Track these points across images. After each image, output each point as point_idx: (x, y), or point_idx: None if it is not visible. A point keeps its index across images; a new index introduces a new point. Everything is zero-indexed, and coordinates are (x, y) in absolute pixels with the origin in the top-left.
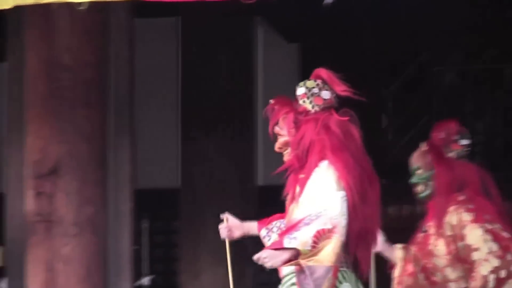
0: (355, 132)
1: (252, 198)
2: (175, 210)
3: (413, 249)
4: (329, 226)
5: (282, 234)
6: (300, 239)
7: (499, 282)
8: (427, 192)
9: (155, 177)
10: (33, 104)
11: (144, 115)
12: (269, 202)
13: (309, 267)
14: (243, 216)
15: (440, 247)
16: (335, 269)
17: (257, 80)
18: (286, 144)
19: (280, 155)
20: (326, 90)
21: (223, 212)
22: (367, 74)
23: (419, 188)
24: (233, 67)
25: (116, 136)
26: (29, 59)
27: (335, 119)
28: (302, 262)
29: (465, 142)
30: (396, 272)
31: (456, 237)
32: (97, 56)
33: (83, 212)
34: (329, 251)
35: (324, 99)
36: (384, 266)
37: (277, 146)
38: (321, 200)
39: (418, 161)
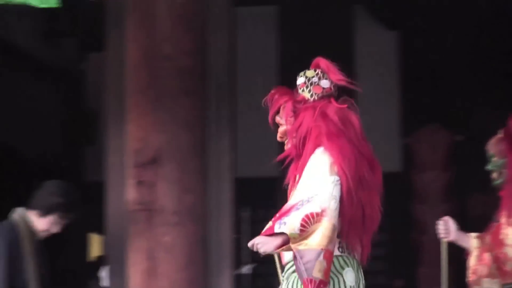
0: (354, 119)
1: None
2: (276, 198)
3: (488, 238)
4: (318, 210)
5: (275, 220)
6: (289, 224)
7: None
8: (501, 180)
9: (255, 166)
10: (133, 93)
11: (244, 104)
12: None
13: (299, 251)
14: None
15: (510, 237)
16: (328, 253)
17: (356, 69)
18: (286, 133)
19: (383, 141)
20: (326, 79)
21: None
22: (467, 64)
23: (494, 175)
24: (332, 55)
25: (216, 125)
26: (129, 49)
27: (333, 106)
28: (293, 246)
29: None
30: (472, 261)
31: None
32: (197, 45)
33: (184, 201)
34: (319, 234)
35: (323, 88)
36: (457, 255)
37: (278, 136)
38: (313, 185)
39: (493, 148)
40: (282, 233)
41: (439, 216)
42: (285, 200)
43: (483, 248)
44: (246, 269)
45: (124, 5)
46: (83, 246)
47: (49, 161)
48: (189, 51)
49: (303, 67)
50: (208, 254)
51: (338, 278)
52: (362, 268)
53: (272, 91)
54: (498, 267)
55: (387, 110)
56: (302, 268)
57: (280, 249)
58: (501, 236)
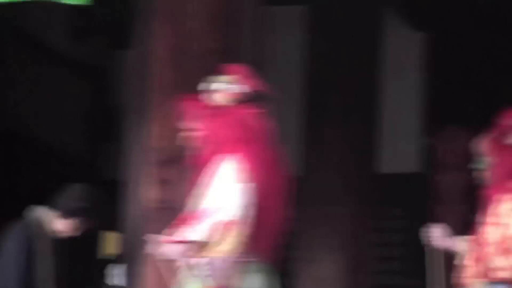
0: (264, 125)
1: (373, 186)
2: (300, 197)
3: (476, 238)
4: (227, 218)
5: (184, 226)
6: (200, 232)
7: None
8: (485, 179)
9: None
10: (159, 91)
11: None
12: (391, 189)
13: (210, 259)
14: (362, 205)
15: (491, 236)
16: (237, 259)
17: (382, 70)
18: (198, 139)
19: (405, 142)
20: (239, 84)
21: (342, 199)
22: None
23: (479, 174)
24: (358, 55)
25: None
26: (156, 46)
27: (244, 112)
28: (202, 254)
29: None
30: (464, 263)
31: (503, 226)
32: (226, 44)
33: None
34: (229, 242)
35: (236, 93)
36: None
37: (190, 141)
38: (222, 192)
39: (479, 147)
40: (191, 240)
41: (458, 217)
42: (308, 198)
43: (473, 249)
44: None
45: (153, 2)
46: (95, 244)
47: (73, 157)
48: (217, 50)
49: (332, 67)
50: None
51: (244, 283)
52: (275, 271)
53: (186, 98)
54: (484, 266)
55: (411, 110)
56: (212, 274)
57: (189, 256)
58: (484, 235)
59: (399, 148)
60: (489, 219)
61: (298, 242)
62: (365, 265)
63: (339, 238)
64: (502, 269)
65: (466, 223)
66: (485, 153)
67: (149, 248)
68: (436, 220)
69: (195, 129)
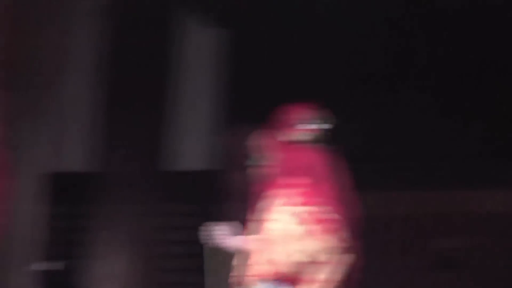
0: None
1: (162, 183)
2: (89, 194)
3: (260, 237)
4: None
5: None
6: None
7: (309, 265)
8: (261, 175)
9: (72, 161)
10: None
11: (62, 96)
12: (180, 187)
13: None
14: (150, 202)
15: (269, 232)
16: None
17: (177, 66)
18: None
19: (195, 139)
20: None
21: (130, 197)
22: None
23: (254, 170)
24: (152, 51)
25: (25, 118)
26: None
27: None
28: None
29: (312, 126)
30: (247, 262)
31: (279, 222)
32: (12, 39)
33: None
34: None
35: None
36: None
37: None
38: None
39: (256, 143)
40: None
41: (246, 215)
42: (102, 196)
43: (255, 247)
44: (54, 265)
45: None
46: None
47: None
48: (4, 45)
49: (126, 62)
50: (9, 250)
51: None
52: None
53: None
54: (265, 264)
55: (202, 107)
56: None
57: None
58: (264, 232)
59: (189, 146)
60: (266, 215)
61: (86, 239)
62: (152, 262)
63: (126, 236)
64: (278, 265)
65: (251, 221)
66: (263, 150)
67: None
68: (224, 218)
69: None
